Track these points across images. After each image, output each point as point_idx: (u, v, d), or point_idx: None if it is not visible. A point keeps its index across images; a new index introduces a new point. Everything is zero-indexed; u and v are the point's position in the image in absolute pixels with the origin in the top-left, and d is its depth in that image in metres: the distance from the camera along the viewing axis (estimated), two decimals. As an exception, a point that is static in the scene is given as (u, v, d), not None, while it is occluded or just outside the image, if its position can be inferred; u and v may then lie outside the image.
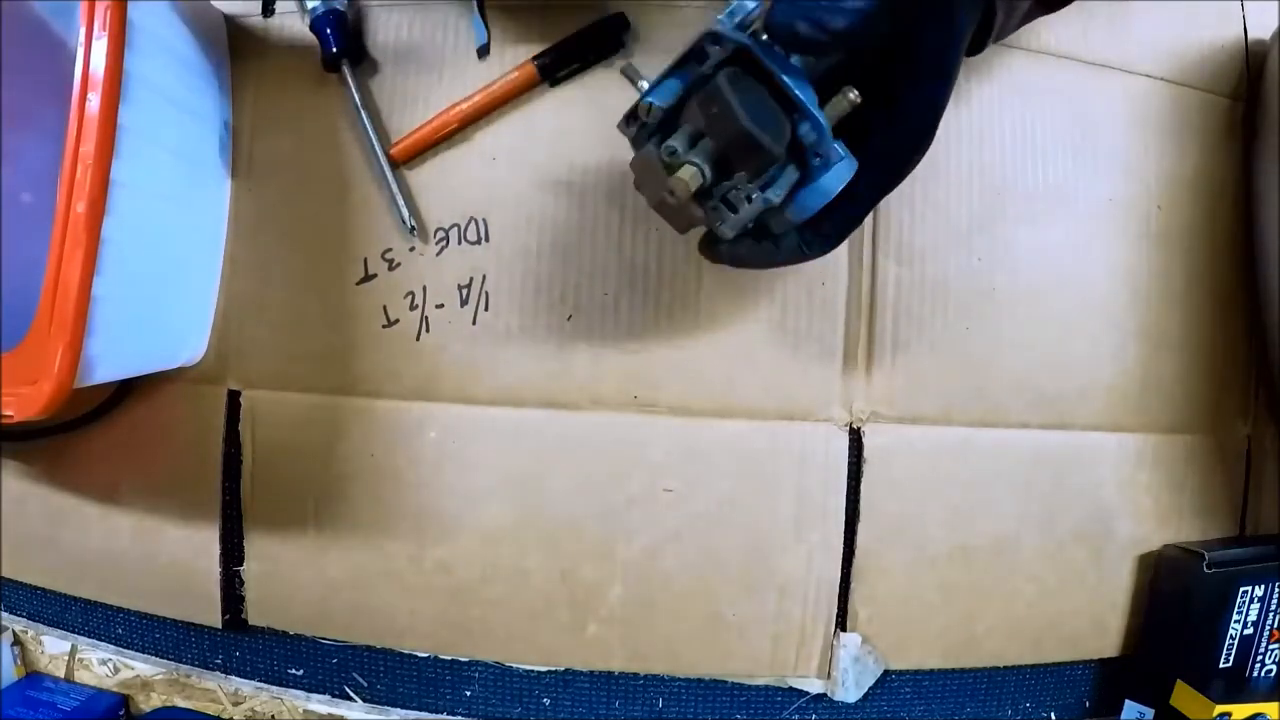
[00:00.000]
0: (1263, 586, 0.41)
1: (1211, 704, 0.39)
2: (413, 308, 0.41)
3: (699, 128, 0.27)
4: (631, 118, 0.29)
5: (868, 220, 0.39)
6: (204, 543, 0.43)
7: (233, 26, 0.43)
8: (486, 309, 0.41)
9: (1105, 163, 0.43)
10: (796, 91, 0.27)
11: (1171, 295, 0.43)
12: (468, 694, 0.44)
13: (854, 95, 0.27)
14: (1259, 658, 0.41)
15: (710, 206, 0.28)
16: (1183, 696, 0.41)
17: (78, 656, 0.48)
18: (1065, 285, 0.42)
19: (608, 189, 0.41)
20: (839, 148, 0.28)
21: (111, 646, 0.47)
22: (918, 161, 0.30)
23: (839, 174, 0.28)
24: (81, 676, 0.48)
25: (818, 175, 0.28)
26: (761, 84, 0.27)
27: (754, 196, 0.27)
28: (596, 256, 0.41)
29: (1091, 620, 0.44)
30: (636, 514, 0.41)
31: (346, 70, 0.41)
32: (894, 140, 0.29)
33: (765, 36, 0.27)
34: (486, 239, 0.41)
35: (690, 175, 0.26)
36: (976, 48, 0.31)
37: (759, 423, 0.41)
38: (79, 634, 0.47)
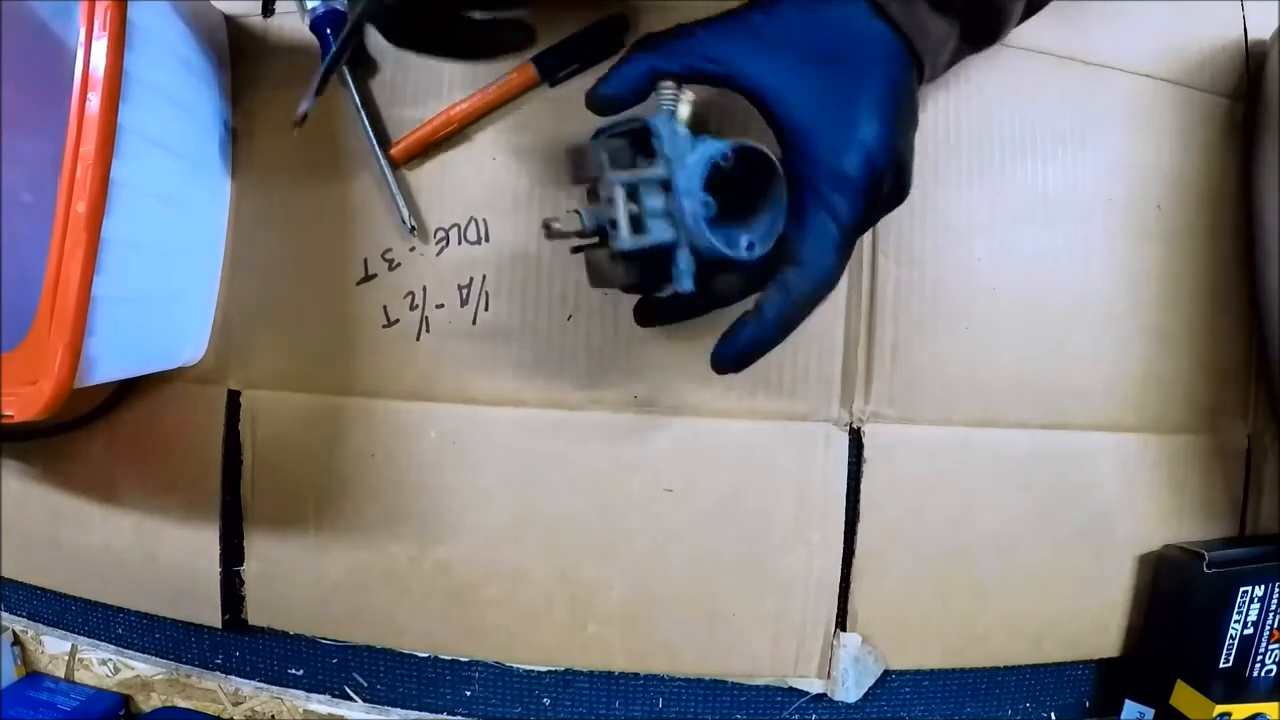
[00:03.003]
0: (1263, 586, 0.41)
1: (1211, 704, 0.39)
2: (413, 308, 0.41)
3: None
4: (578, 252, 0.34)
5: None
6: (204, 543, 0.43)
7: (233, 26, 0.43)
8: (486, 309, 0.41)
9: (1105, 163, 0.43)
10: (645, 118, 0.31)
11: (1172, 295, 0.43)
12: (468, 694, 0.44)
13: (682, 93, 0.31)
14: (1259, 658, 0.41)
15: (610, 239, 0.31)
16: (1183, 696, 0.41)
17: (78, 656, 0.48)
18: (1065, 285, 0.42)
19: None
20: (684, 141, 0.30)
21: (111, 646, 0.47)
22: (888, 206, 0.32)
23: (702, 149, 0.29)
24: (81, 676, 0.48)
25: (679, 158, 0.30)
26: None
27: (613, 188, 0.30)
28: (596, 256, 0.41)
29: (1091, 620, 0.44)
30: (636, 514, 0.41)
31: (346, 70, 0.40)
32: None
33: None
34: (486, 239, 0.41)
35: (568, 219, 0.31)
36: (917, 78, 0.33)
37: (759, 423, 0.41)
38: (79, 634, 0.47)
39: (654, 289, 0.32)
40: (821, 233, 0.30)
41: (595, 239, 0.32)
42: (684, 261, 0.30)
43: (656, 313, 0.37)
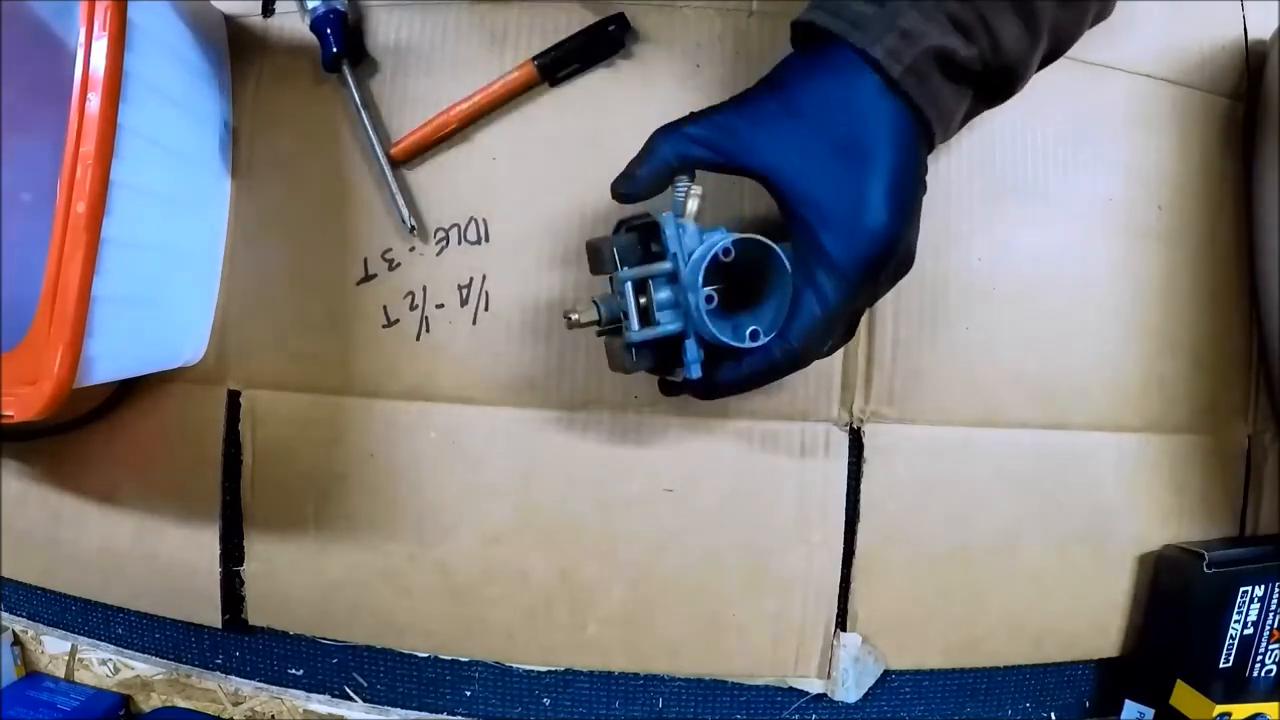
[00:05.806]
0: (1263, 586, 0.41)
1: (1211, 704, 0.39)
2: (413, 308, 0.41)
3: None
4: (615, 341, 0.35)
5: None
6: (204, 543, 0.43)
7: (233, 26, 0.43)
8: (486, 309, 0.41)
9: (1105, 163, 0.43)
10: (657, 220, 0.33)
11: (1172, 295, 0.43)
12: (468, 694, 0.44)
13: (692, 188, 0.32)
14: (1259, 658, 0.41)
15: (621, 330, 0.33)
16: (1183, 696, 0.41)
17: (78, 656, 0.48)
18: (1065, 285, 0.42)
19: (607, 188, 0.41)
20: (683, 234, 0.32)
21: (111, 646, 0.47)
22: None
23: (705, 244, 0.32)
24: (81, 676, 0.48)
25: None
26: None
27: (623, 284, 0.32)
28: (596, 256, 0.41)
29: (1091, 620, 0.44)
30: (636, 514, 0.41)
31: (346, 70, 0.41)
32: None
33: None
34: (486, 239, 0.41)
35: (586, 311, 0.33)
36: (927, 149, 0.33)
37: (759, 423, 0.41)
38: (79, 634, 0.48)
39: (668, 373, 0.34)
40: (806, 314, 0.31)
41: (612, 328, 0.34)
42: (692, 351, 0.32)
43: (679, 388, 0.36)
